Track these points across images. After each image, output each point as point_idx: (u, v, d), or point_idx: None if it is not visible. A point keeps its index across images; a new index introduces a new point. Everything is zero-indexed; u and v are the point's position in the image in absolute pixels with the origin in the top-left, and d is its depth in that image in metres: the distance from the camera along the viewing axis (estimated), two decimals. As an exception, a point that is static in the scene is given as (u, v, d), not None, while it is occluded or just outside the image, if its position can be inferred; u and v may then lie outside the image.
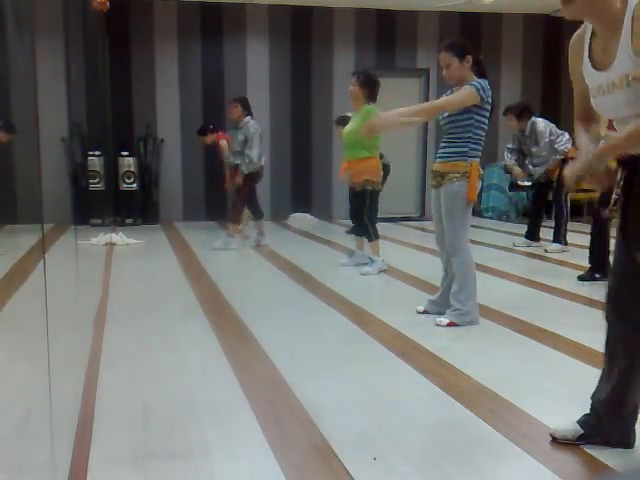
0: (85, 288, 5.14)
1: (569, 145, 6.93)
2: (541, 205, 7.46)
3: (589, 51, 2.21)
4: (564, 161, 6.95)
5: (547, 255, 6.88)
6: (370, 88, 5.83)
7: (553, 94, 10.66)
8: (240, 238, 7.70)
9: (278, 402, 2.85)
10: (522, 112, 6.97)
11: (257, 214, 7.65)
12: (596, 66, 2.18)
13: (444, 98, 4.06)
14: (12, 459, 2.37)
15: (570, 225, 8.79)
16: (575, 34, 2.30)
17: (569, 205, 7.21)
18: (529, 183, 7.34)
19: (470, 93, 3.93)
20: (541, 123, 6.93)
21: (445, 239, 4.14)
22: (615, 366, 2.34)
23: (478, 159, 4.06)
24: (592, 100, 2.25)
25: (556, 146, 6.89)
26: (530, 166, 7.12)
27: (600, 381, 2.39)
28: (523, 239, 7.48)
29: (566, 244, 7.08)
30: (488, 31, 10.63)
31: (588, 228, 5.91)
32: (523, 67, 10.82)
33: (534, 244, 7.33)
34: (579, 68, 2.28)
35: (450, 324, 4.07)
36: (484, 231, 8.76)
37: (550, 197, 7.43)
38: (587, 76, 2.24)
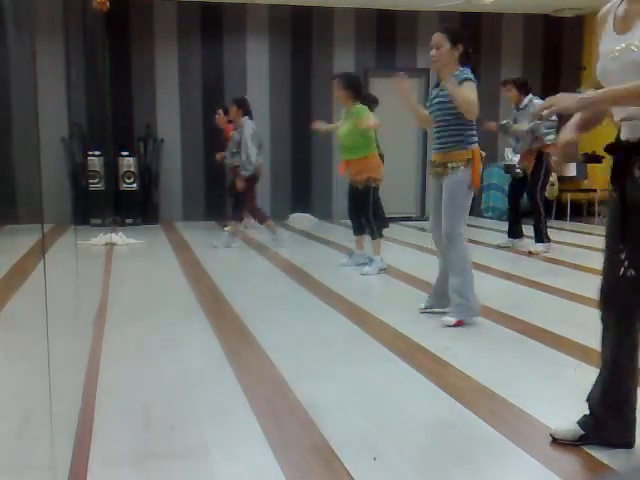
0: (85, 288, 5.14)
1: (552, 137, 6.89)
2: (517, 202, 7.39)
3: (614, 17, 2.21)
4: (540, 155, 6.91)
5: (547, 255, 6.86)
6: (353, 87, 5.86)
7: (553, 94, 10.63)
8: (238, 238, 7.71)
9: (278, 402, 2.85)
10: (523, 85, 7.01)
11: (262, 218, 7.63)
12: (616, 29, 2.18)
13: (472, 100, 3.96)
14: (12, 459, 2.37)
15: (570, 225, 8.79)
16: (604, 8, 2.29)
17: (544, 202, 7.14)
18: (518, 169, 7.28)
19: (474, 89, 3.99)
20: (540, 103, 6.89)
21: (442, 230, 4.12)
22: (604, 365, 2.35)
23: (477, 144, 4.09)
24: (598, 66, 2.23)
25: (544, 129, 6.84)
26: (513, 141, 7.15)
27: (595, 382, 2.40)
28: (507, 239, 7.42)
29: (549, 241, 7.03)
30: (488, 31, 10.62)
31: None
32: (523, 67, 10.82)
33: (517, 242, 7.27)
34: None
35: (457, 323, 4.06)
36: (484, 231, 8.75)
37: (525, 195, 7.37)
38: (604, 40, 2.22)
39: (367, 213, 5.95)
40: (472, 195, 4.13)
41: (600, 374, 2.38)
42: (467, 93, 3.95)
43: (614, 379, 2.33)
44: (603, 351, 2.37)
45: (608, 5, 2.28)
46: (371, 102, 7.78)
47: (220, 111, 8.75)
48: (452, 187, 4.04)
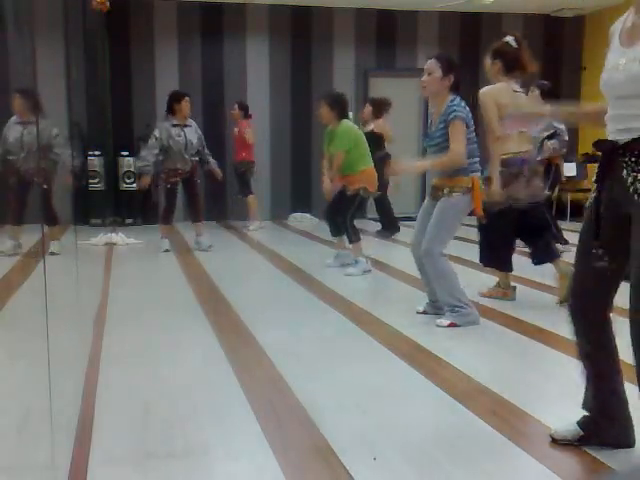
0: (85, 288, 5.13)
1: (557, 146, 6.88)
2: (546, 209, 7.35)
3: (621, 31, 2.21)
4: (549, 165, 6.90)
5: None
6: (339, 107, 5.86)
7: (553, 94, 10.64)
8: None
9: (278, 402, 2.85)
10: (548, 93, 6.77)
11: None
12: (622, 42, 2.19)
13: (451, 154, 3.95)
14: (12, 459, 2.37)
15: (571, 225, 8.76)
16: (617, 21, 2.29)
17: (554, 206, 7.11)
18: None
19: (461, 129, 3.95)
20: None
21: (421, 245, 4.09)
22: (591, 368, 2.35)
23: (479, 173, 4.10)
24: (602, 76, 2.23)
25: (552, 139, 6.84)
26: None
27: (586, 388, 2.40)
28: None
29: (566, 243, 7.01)
30: (488, 31, 10.61)
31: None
32: (523, 67, 10.81)
33: (561, 247, 7.20)
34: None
35: (451, 325, 4.06)
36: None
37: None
38: (611, 51, 2.23)
39: (345, 215, 5.91)
40: (461, 222, 4.15)
41: (586, 377, 2.38)
42: (451, 153, 3.93)
43: (599, 378, 2.34)
44: (580, 351, 2.37)
45: (622, 18, 2.28)
46: (382, 105, 7.84)
47: (236, 106, 8.78)
48: (444, 207, 4.03)
